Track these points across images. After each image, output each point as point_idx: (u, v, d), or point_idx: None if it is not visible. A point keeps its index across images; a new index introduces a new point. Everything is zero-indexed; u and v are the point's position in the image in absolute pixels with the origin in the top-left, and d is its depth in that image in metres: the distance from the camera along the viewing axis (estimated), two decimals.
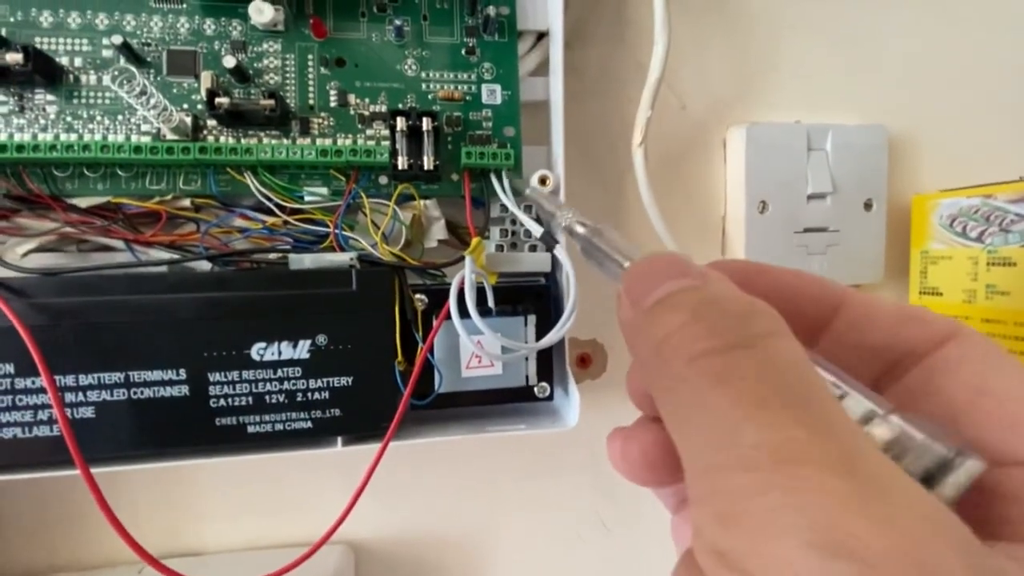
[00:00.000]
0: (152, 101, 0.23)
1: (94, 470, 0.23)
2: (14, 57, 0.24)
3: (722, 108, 0.37)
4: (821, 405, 0.10)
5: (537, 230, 0.27)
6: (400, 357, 0.26)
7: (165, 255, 0.26)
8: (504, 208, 0.30)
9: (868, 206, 0.37)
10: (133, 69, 0.22)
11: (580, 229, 0.16)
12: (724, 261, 0.15)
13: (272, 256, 0.27)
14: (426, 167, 0.27)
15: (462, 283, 0.26)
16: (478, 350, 0.26)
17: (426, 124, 0.27)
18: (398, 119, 0.27)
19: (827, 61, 0.38)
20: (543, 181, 0.29)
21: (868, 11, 0.38)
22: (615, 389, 0.36)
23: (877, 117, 0.38)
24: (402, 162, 0.27)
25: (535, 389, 0.29)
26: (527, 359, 0.28)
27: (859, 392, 0.12)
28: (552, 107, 0.30)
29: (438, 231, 0.30)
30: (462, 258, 0.27)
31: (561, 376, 0.30)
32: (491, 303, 0.26)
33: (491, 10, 0.28)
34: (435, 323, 0.25)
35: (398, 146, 0.27)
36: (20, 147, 0.24)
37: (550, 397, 0.29)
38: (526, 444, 0.36)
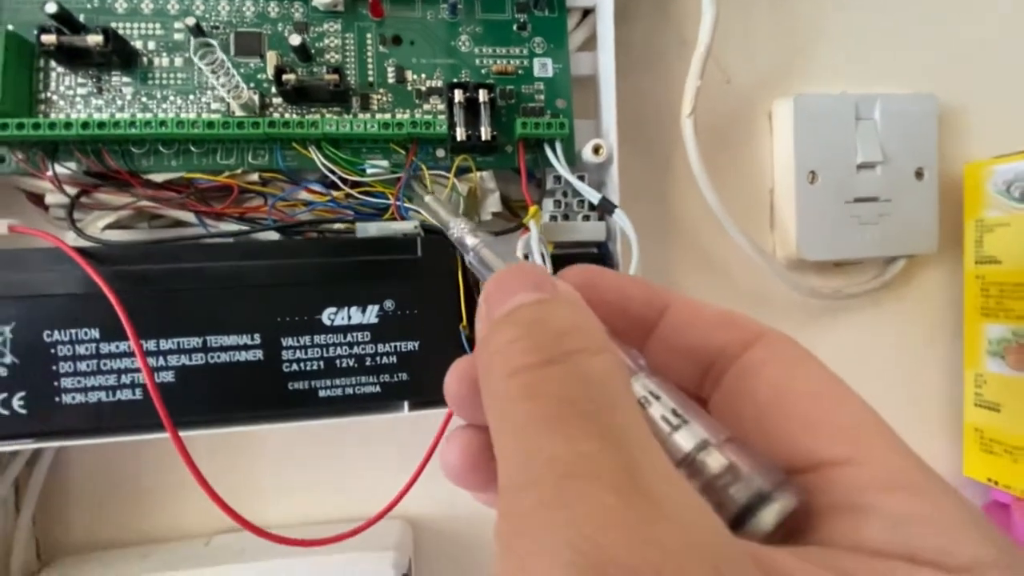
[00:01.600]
0: (226, 76, 0.24)
1: (165, 435, 0.23)
2: (95, 39, 0.25)
3: (767, 81, 0.37)
4: (620, 419, 0.10)
5: (595, 197, 0.28)
6: (465, 322, 0.26)
7: (235, 227, 0.27)
8: (557, 179, 0.30)
9: (919, 175, 0.37)
10: (214, 42, 0.23)
11: (471, 240, 0.16)
12: (572, 268, 0.15)
13: (337, 227, 0.27)
14: (483, 138, 0.28)
15: (527, 250, 0.26)
16: None
17: (483, 96, 0.28)
18: (455, 91, 0.28)
19: (873, 30, 0.38)
20: (596, 150, 0.29)
21: None
22: None
23: (926, 85, 0.38)
24: (460, 133, 0.28)
25: None
26: None
27: (698, 420, 0.12)
28: (603, 79, 0.31)
29: (493, 203, 0.30)
30: (518, 227, 0.28)
31: None
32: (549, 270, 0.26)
33: None
34: None
35: (456, 118, 0.28)
36: (101, 124, 0.25)
37: None
38: None
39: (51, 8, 0.25)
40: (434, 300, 0.26)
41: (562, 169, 0.28)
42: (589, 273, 0.15)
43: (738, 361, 0.14)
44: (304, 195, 0.28)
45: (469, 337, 0.26)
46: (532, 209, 0.27)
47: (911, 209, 0.37)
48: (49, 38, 0.25)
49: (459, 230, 0.17)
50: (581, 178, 0.30)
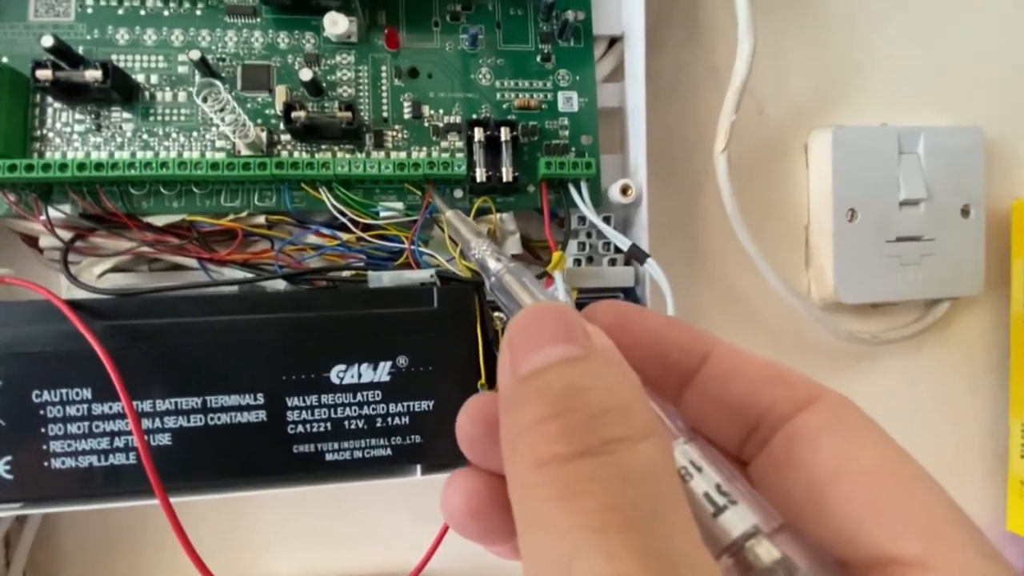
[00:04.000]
0: (232, 116, 0.23)
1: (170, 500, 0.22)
2: (93, 74, 0.24)
3: (802, 111, 0.35)
4: (666, 530, 0.09)
5: (624, 243, 0.26)
6: (484, 380, 0.24)
7: (239, 274, 0.26)
8: (582, 220, 0.28)
9: (965, 213, 0.34)
10: (217, 83, 0.21)
11: (493, 264, 0.14)
12: (601, 305, 0.14)
13: (347, 274, 0.26)
14: (505, 179, 0.26)
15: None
16: None
17: (504, 134, 0.26)
18: (475, 129, 0.26)
19: (915, 60, 0.36)
20: (624, 191, 0.28)
21: (958, 6, 0.36)
22: None
23: (972, 118, 0.36)
24: (480, 174, 0.26)
25: None
26: None
27: (746, 501, 0.11)
28: (632, 113, 0.29)
29: (513, 245, 0.28)
30: (542, 275, 0.26)
31: None
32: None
33: (570, 15, 0.27)
34: None
35: (476, 157, 0.26)
36: (98, 165, 0.23)
37: None
38: None
39: (47, 42, 0.23)
40: (450, 356, 0.24)
41: (588, 212, 0.27)
42: (621, 312, 0.13)
43: (789, 424, 0.12)
44: (313, 239, 0.26)
45: None
46: (556, 256, 0.26)
47: (956, 248, 0.35)
48: (44, 73, 0.23)
49: (481, 251, 0.15)
50: (607, 219, 0.28)
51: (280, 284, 0.26)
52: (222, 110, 0.22)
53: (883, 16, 0.35)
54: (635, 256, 0.25)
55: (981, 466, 0.37)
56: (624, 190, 0.27)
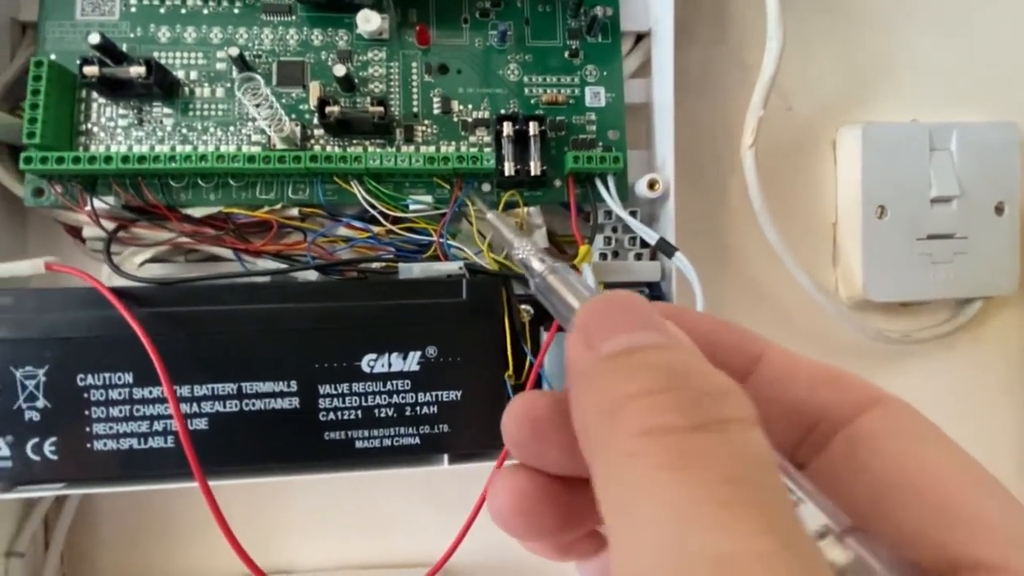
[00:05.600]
0: (269, 110, 0.23)
1: (193, 484, 0.22)
2: (137, 70, 0.24)
3: (830, 108, 0.35)
4: (787, 511, 0.09)
5: (652, 237, 0.26)
6: (511, 371, 0.24)
7: (273, 264, 0.26)
8: (608, 214, 0.28)
9: (999, 210, 0.34)
10: (257, 77, 0.22)
11: (537, 265, 0.14)
12: (655, 304, 0.13)
13: (377, 266, 0.26)
14: (533, 173, 0.26)
15: None
16: None
17: (533, 129, 0.26)
18: (504, 124, 0.26)
19: (947, 56, 0.35)
20: (651, 185, 0.28)
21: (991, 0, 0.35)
22: None
23: (1006, 113, 0.35)
24: (508, 168, 0.26)
25: None
26: None
27: (813, 500, 0.10)
28: (660, 108, 0.29)
29: (539, 239, 0.29)
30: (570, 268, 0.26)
31: None
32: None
33: (599, 10, 0.27)
34: (547, 335, 0.24)
35: (504, 152, 0.26)
36: (141, 158, 0.24)
37: None
38: None
39: (94, 39, 0.24)
40: (478, 347, 0.24)
41: (615, 206, 0.27)
42: (670, 311, 0.13)
43: (850, 426, 0.12)
44: (344, 231, 0.27)
45: (515, 386, 0.24)
46: (583, 250, 0.26)
47: (989, 247, 0.34)
48: (91, 69, 0.24)
49: (525, 251, 0.15)
50: (633, 214, 0.28)
51: (312, 275, 0.26)
52: (259, 105, 0.23)
53: (913, 11, 0.35)
54: (663, 250, 0.25)
55: (1016, 467, 0.36)
56: (651, 184, 0.27)
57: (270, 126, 0.25)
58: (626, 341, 0.10)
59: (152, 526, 0.31)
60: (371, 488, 0.32)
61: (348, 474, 0.24)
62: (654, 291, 0.29)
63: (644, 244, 0.29)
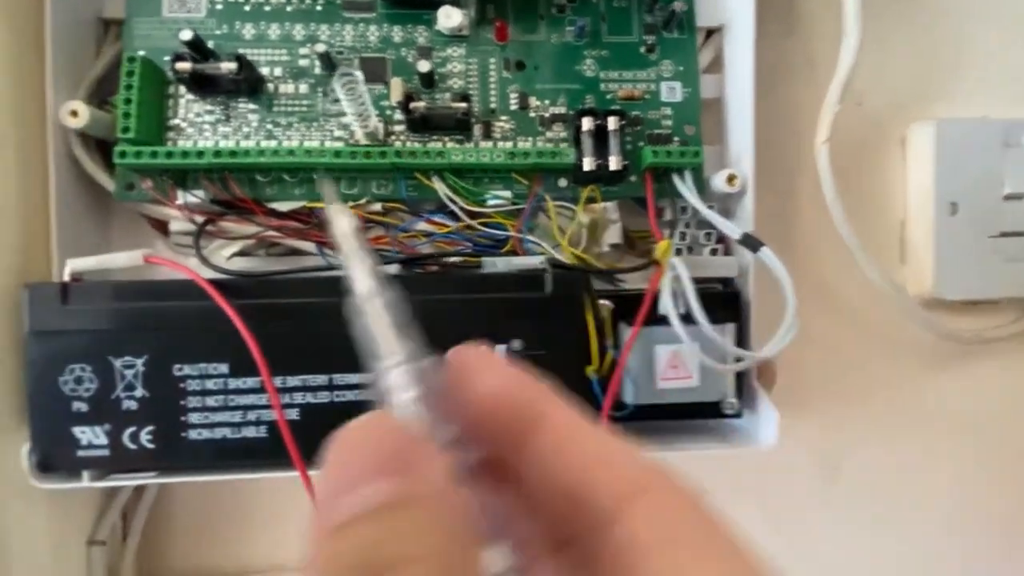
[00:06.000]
0: (361, 107, 0.23)
1: (285, 474, 0.22)
2: (229, 66, 0.25)
3: (900, 104, 0.34)
4: None
5: (735, 232, 0.26)
6: (597, 365, 0.24)
7: None
8: (683, 210, 0.28)
9: None
10: (358, 74, 0.22)
11: (361, 286, 0.12)
12: (458, 351, 0.12)
13: (456, 260, 0.26)
14: (613, 168, 0.26)
15: (656, 288, 0.24)
16: (687, 358, 0.24)
17: (612, 124, 0.26)
18: (584, 119, 0.26)
19: (1018, 51, 0.35)
20: (730, 180, 0.27)
21: None
22: (787, 409, 0.33)
23: None
24: (588, 163, 0.26)
25: (722, 405, 0.27)
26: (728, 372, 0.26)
27: None
28: (736, 103, 0.29)
29: (613, 234, 0.29)
30: (649, 264, 0.26)
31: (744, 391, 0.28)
32: (696, 311, 0.24)
33: (676, 5, 0.27)
34: (632, 330, 0.24)
35: (584, 147, 0.26)
36: (232, 153, 0.24)
37: (738, 414, 0.27)
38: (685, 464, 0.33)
39: (186, 35, 0.25)
40: (562, 341, 0.24)
41: (695, 200, 0.27)
42: (471, 360, 0.12)
43: (614, 526, 0.10)
44: (424, 226, 0.27)
45: (601, 381, 0.24)
46: (664, 244, 0.26)
47: None
48: (184, 65, 0.25)
49: (355, 263, 0.13)
50: (710, 209, 0.28)
51: (393, 269, 0.26)
52: (352, 100, 0.23)
53: (982, 6, 0.35)
54: (748, 245, 0.25)
55: None
56: (730, 179, 0.27)
57: (358, 121, 0.25)
58: (348, 508, 0.09)
59: (223, 517, 0.31)
60: None
61: None
62: (727, 286, 0.28)
63: (719, 240, 0.29)
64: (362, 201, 0.26)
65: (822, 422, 0.36)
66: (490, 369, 0.12)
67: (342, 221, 0.14)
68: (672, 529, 0.10)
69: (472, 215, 0.27)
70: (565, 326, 0.24)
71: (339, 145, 0.26)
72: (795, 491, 0.35)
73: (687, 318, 0.26)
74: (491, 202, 0.27)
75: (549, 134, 0.28)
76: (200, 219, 0.25)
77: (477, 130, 0.27)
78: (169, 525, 0.31)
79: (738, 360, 0.25)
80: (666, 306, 0.24)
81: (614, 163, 0.26)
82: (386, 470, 0.09)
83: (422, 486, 0.09)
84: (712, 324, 0.24)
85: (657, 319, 0.25)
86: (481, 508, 0.10)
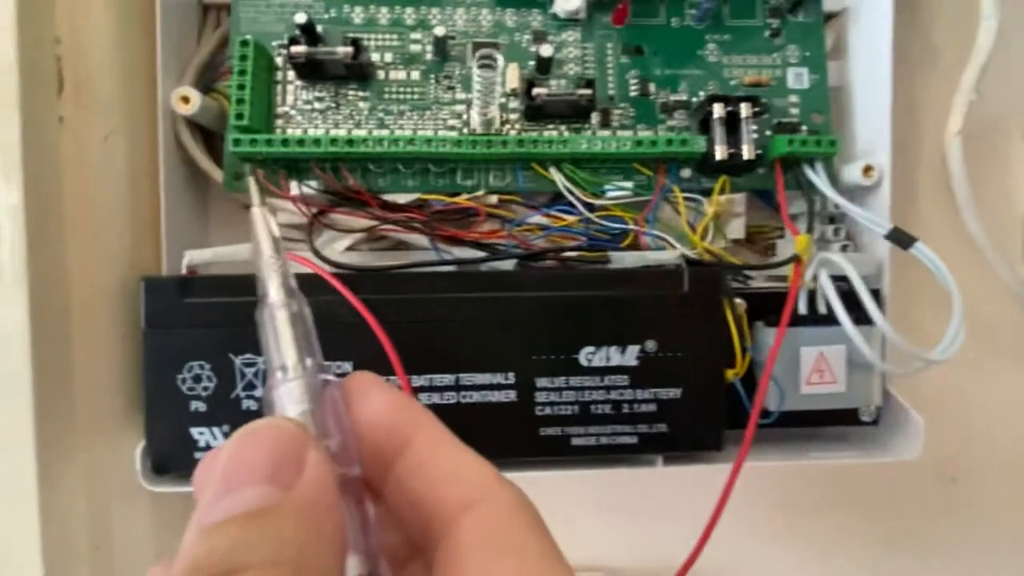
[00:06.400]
0: (489, 95, 0.22)
1: None
2: (345, 51, 0.24)
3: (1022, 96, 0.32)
4: None
5: (882, 227, 0.24)
6: (739, 368, 0.23)
7: (466, 253, 0.25)
8: (814, 202, 0.27)
9: None
10: (499, 56, 0.21)
11: (275, 295, 0.12)
12: (353, 377, 0.13)
13: (578, 255, 0.25)
14: (746, 156, 0.25)
15: (798, 286, 0.23)
16: (834, 361, 0.23)
17: (745, 110, 0.25)
18: (715, 105, 0.25)
19: None
20: (867, 171, 0.26)
21: None
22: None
23: None
24: (720, 152, 0.25)
25: (860, 411, 0.25)
26: (873, 376, 0.24)
27: None
28: (870, 90, 0.27)
29: (736, 228, 0.27)
30: (790, 259, 0.24)
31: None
32: (871, 308, 0.22)
33: None
34: (777, 331, 0.23)
35: (714, 135, 0.25)
36: (349, 141, 0.23)
37: (875, 421, 0.25)
38: (800, 474, 0.32)
39: (300, 19, 0.23)
40: (699, 342, 0.23)
41: (830, 192, 0.25)
42: (361, 384, 0.12)
43: (451, 531, 0.11)
44: (541, 219, 0.26)
45: (744, 383, 0.23)
46: (803, 239, 0.24)
47: None
48: (299, 49, 0.24)
49: (270, 269, 0.13)
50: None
51: (508, 264, 0.25)
52: (486, 86, 0.22)
53: None
54: (898, 241, 0.24)
55: None
56: (866, 171, 0.26)
57: (478, 109, 0.24)
58: (223, 509, 0.09)
59: None
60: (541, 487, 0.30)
61: (574, 472, 0.23)
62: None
63: (849, 235, 0.27)
64: (479, 193, 0.25)
65: (939, 427, 0.34)
66: (375, 393, 0.12)
67: (265, 223, 0.14)
68: (487, 535, 0.11)
69: (588, 207, 0.25)
70: (703, 326, 0.23)
71: (454, 134, 0.25)
72: (908, 500, 0.33)
73: (826, 319, 0.24)
74: (611, 193, 0.25)
75: (671, 122, 0.26)
76: (314, 210, 0.24)
77: (595, 118, 0.26)
78: None
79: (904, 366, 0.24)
80: (833, 302, 0.22)
81: (747, 152, 0.25)
82: (267, 477, 0.10)
83: (296, 496, 0.10)
84: (859, 324, 0.23)
85: (798, 319, 0.24)
86: (352, 520, 0.11)
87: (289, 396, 0.12)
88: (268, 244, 0.13)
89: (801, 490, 0.32)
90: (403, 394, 0.13)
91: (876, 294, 0.25)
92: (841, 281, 0.27)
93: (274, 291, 0.13)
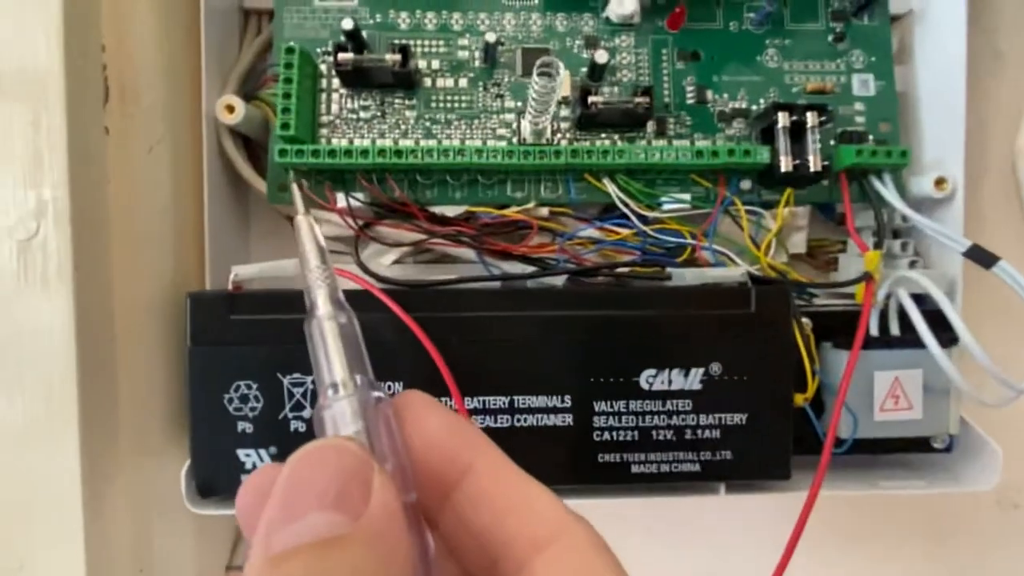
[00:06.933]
0: (545, 104, 0.21)
1: None
2: (393, 58, 0.23)
3: None
4: None
5: (961, 244, 0.22)
6: (810, 393, 0.21)
7: (515, 268, 0.24)
8: (882, 215, 0.25)
9: None
10: (560, 65, 0.20)
11: (323, 307, 0.12)
12: (403, 396, 0.12)
13: (634, 271, 0.24)
14: (812, 168, 0.23)
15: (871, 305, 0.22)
16: (910, 387, 0.21)
17: (811, 119, 0.23)
18: (780, 114, 0.23)
19: None
20: (939, 184, 0.24)
21: None
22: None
23: None
24: (785, 163, 0.23)
25: (932, 439, 0.24)
26: (951, 402, 0.23)
27: None
28: (941, 98, 0.26)
29: (797, 243, 0.26)
30: (862, 278, 0.23)
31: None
32: (963, 332, 0.21)
33: None
34: (850, 354, 0.21)
35: (779, 145, 0.24)
36: (398, 152, 0.22)
37: (948, 449, 0.24)
38: (860, 501, 0.30)
39: (347, 25, 0.23)
40: (767, 364, 0.22)
41: (901, 206, 0.24)
42: (414, 403, 0.12)
43: (525, 570, 0.11)
44: (593, 232, 0.24)
45: (815, 408, 0.22)
46: (873, 256, 0.23)
47: None
48: (346, 56, 0.23)
49: (318, 280, 0.12)
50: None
51: (559, 279, 0.24)
52: (546, 96, 0.21)
53: None
54: (978, 259, 0.22)
55: None
56: (938, 183, 0.24)
57: (530, 117, 0.23)
58: (292, 536, 0.09)
59: None
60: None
61: (634, 500, 0.22)
62: (923, 305, 0.25)
63: (917, 251, 0.26)
64: (530, 205, 0.24)
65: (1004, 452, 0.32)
66: (430, 414, 0.12)
67: (311, 232, 0.13)
68: (575, 572, 0.11)
69: (644, 220, 0.24)
70: (770, 348, 0.22)
71: (503, 144, 0.24)
72: (969, 526, 0.31)
73: (900, 341, 0.23)
74: (667, 206, 0.24)
75: (729, 131, 0.25)
76: (359, 223, 0.23)
77: (650, 126, 0.25)
78: None
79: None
80: (918, 325, 0.21)
81: (814, 163, 0.23)
82: (334, 503, 0.09)
83: (366, 525, 0.09)
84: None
85: (869, 341, 0.22)
86: (413, 549, 0.11)
87: (343, 415, 0.11)
88: (315, 254, 0.13)
89: (859, 517, 0.30)
90: (460, 416, 0.12)
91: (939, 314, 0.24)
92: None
93: (322, 303, 0.12)
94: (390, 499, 0.10)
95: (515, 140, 0.24)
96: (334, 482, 0.10)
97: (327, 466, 0.10)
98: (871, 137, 0.25)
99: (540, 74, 0.20)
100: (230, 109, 0.23)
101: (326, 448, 0.10)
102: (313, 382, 0.21)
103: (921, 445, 0.24)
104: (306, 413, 0.21)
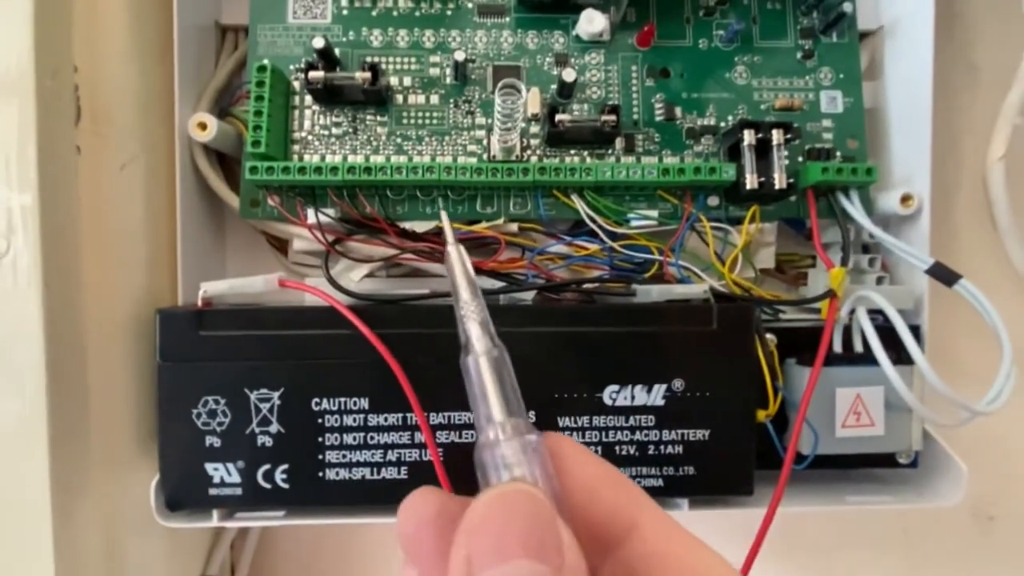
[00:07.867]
0: (512, 122, 0.21)
1: None
2: (363, 76, 0.23)
3: None
4: None
5: (925, 261, 0.23)
6: (772, 409, 0.22)
7: (485, 283, 0.24)
8: (849, 231, 0.26)
9: None
10: (521, 85, 0.20)
11: (479, 344, 0.12)
12: (550, 438, 0.12)
13: (600, 287, 0.24)
14: (778, 186, 0.24)
15: (834, 321, 0.22)
16: (871, 403, 0.22)
17: (777, 137, 0.24)
18: (746, 132, 0.24)
19: None
20: (905, 201, 0.25)
21: None
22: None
23: None
24: (751, 180, 0.24)
25: (897, 454, 0.24)
26: (913, 420, 0.23)
27: None
28: (908, 115, 0.26)
29: (765, 258, 0.26)
30: (827, 294, 0.23)
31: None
32: (916, 354, 0.21)
33: (846, 6, 0.25)
34: (811, 371, 0.21)
35: (745, 162, 0.24)
36: (367, 169, 0.22)
37: (913, 464, 0.24)
38: (831, 514, 0.30)
39: (319, 43, 0.23)
40: (729, 381, 0.22)
41: (866, 222, 0.24)
42: (565, 448, 0.12)
43: None
44: (562, 248, 0.25)
45: (775, 425, 0.22)
46: (837, 273, 0.23)
47: None
48: (317, 74, 0.23)
49: (472, 313, 0.12)
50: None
51: (528, 295, 0.24)
52: (511, 114, 0.21)
53: None
54: (940, 277, 0.22)
55: None
56: (904, 200, 0.25)
57: (501, 135, 0.23)
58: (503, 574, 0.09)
59: (328, 559, 0.30)
60: None
61: None
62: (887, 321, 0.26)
63: (885, 266, 0.26)
64: (499, 221, 0.24)
65: (974, 466, 0.32)
66: (587, 463, 0.12)
67: (461, 263, 0.13)
68: None
69: (612, 236, 0.25)
70: (733, 364, 0.22)
71: (473, 161, 0.24)
72: (943, 541, 0.32)
73: (862, 357, 0.23)
74: (635, 222, 0.25)
75: (698, 148, 0.25)
76: (330, 238, 0.24)
77: (619, 143, 0.25)
78: (274, 563, 0.30)
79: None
80: (873, 343, 0.21)
81: (779, 181, 0.24)
82: (537, 552, 0.09)
83: (567, 566, 0.10)
84: (899, 363, 0.22)
85: (832, 358, 0.22)
86: None
87: (510, 457, 0.11)
88: (465, 287, 0.13)
89: (833, 530, 0.31)
90: (614, 467, 0.12)
91: (915, 330, 0.24)
92: (876, 313, 0.26)
93: (476, 338, 0.12)
94: (579, 554, 0.10)
95: (485, 157, 0.25)
96: (534, 530, 0.10)
97: (520, 512, 0.10)
98: (839, 154, 0.26)
99: (503, 94, 0.20)
100: (202, 127, 0.24)
101: (518, 493, 0.10)
102: (281, 397, 0.21)
103: (886, 461, 0.24)
104: (272, 428, 0.21)
